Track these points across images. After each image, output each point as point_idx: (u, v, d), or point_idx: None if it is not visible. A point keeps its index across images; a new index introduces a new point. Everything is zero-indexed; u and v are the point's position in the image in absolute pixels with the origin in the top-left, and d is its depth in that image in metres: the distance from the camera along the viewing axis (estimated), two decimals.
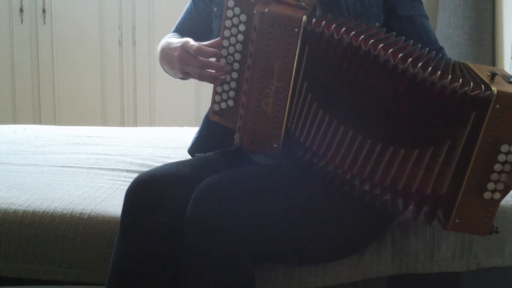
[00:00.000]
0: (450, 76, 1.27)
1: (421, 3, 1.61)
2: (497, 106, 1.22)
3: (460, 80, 1.26)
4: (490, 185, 1.27)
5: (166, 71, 1.62)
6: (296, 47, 1.33)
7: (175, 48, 1.46)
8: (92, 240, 1.55)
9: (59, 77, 3.53)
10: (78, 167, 1.91)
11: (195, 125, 2.42)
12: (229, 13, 1.38)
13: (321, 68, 1.35)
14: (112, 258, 1.37)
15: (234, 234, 1.30)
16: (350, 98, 1.34)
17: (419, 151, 1.29)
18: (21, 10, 3.45)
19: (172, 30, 1.70)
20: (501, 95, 1.22)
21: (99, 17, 3.48)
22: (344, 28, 1.32)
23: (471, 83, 1.26)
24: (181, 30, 1.68)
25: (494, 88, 1.23)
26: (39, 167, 1.90)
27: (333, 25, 1.32)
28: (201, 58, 1.40)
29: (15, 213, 1.59)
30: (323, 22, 1.33)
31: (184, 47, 1.43)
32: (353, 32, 1.31)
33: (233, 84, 1.41)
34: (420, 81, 1.27)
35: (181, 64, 1.44)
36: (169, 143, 2.20)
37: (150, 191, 1.39)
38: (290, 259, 1.47)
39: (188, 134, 2.12)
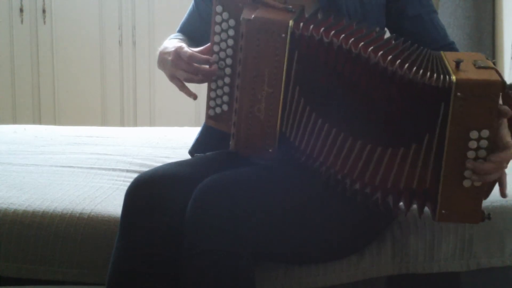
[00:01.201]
0: (421, 71, 1.27)
1: None
2: (459, 94, 1.22)
3: (428, 73, 1.26)
4: (467, 173, 1.27)
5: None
6: (284, 53, 1.32)
7: (169, 53, 1.47)
8: (92, 240, 1.55)
9: (59, 77, 3.53)
10: (78, 167, 1.91)
11: (195, 125, 2.42)
12: (218, 18, 1.37)
13: (313, 72, 1.35)
14: (112, 258, 1.37)
15: (234, 234, 1.30)
16: (343, 101, 1.34)
17: (404, 148, 1.30)
18: (21, 10, 3.45)
19: (177, 30, 1.71)
20: (460, 83, 1.23)
21: (99, 17, 3.48)
22: (333, 31, 1.31)
23: (435, 74, 1.26)
24: (184, 31, 1.68)
25: (454, 77, 1.23)
26: (39, 167, 1.90)
27: (322, 28, 1.32)
28: (193, 64, 1.41)
29: (15, 213, 1.59)
30: (311, 26, 1.32)
31: (177, 53, 1.44)
32: (343, 35, 1.31)
33: (226, 89, 1.40)
34: (399, 77, 1.27)
35: (173, 68, 1.45)
36: (169, 143, 2.20)
37: (150, 191, 1.39)
38: (290, 259, 1.47)
39: (188, 134, 2.12)
